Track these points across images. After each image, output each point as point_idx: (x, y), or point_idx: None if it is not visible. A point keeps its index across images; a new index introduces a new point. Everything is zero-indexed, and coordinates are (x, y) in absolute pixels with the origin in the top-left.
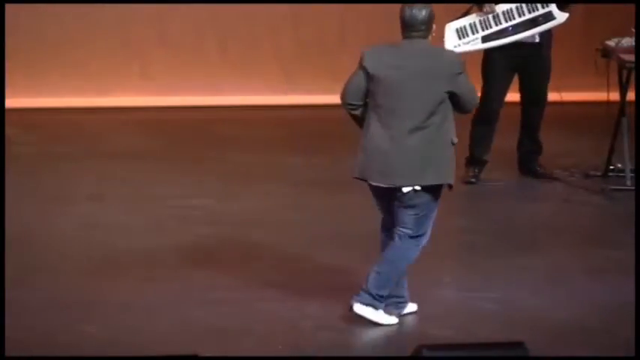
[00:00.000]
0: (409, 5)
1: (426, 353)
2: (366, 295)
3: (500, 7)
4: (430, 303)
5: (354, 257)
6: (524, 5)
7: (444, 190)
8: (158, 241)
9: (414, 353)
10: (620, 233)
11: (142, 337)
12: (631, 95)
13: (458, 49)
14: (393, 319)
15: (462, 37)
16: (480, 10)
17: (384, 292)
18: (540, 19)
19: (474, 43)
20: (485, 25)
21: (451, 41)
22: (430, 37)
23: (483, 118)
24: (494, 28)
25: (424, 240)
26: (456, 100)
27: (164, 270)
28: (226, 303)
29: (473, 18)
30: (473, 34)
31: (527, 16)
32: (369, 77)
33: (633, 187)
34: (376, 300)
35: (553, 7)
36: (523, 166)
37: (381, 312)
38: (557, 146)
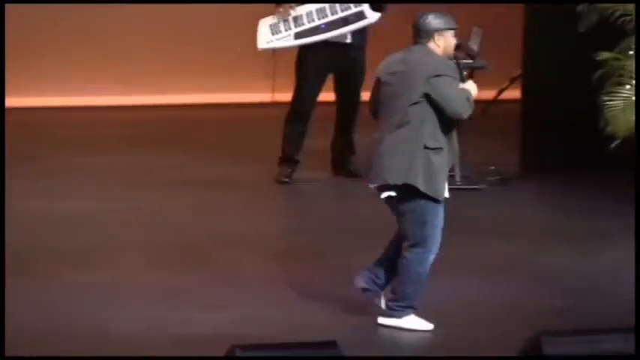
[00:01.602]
0: (420, 13)
1: (239, 353)
2: (385, 309)
3: (314, 6)
4: (252, 303)
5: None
6: (337, 4)
7: (259, 188)
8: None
9: (227, 353)
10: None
11: None
12: None
13: (270, 45)
14: (422, 324)
15: (274, 33)
16: (278, 10)
17: (404, 304)
18: (352, 17)
19: (287, 40)
20: (298, 22)
21: (264, 37)
22: (433, 44)
23: (295, 117)
24: (307, 26)
25: (428, 249)
26: (435, 104)
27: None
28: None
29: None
30: (285, 30)
31: (340, 15)
32: (377, 83)
33: (463, 186)
34: (395, 311)
35: (365, 7)
36: (337, 165)
37: (404, 319)
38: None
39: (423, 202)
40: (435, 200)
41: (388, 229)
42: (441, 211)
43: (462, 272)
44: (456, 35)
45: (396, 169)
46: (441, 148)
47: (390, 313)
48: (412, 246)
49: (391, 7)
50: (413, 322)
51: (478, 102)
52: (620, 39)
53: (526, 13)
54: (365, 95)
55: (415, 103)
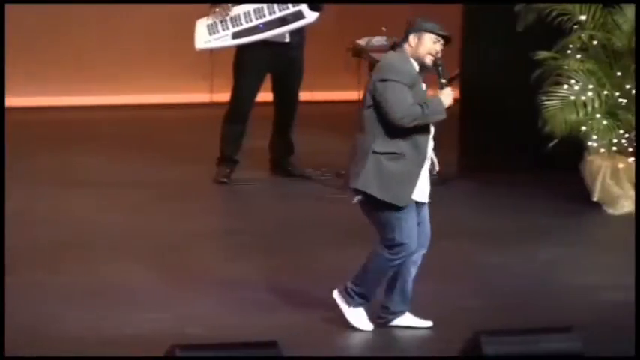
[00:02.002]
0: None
1: (178, 353)
2: (343, 287)
3: (252, 6)
4: (188, 302)
5: None
6: (274, 4)
7: (198, 188)
8: None
9: (167, 353)
10: (373, 231)
11: None
12: None
13: (208, 45)
14: (363, 324)
15: (212, 33)
16: (214, 11)
17: (357, 290)
18: (290, 17)
19: (224, 40)
20: (235, 22)
21: (201, 37)
22: (407, 45)
23: (233, 117)
24: (245, 26)
25: (396, 253)
26: (378, 108)
27: None
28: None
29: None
30: (223, 30)
31: (278, 15)
32: None
33: None
34: (347, 294)
35: (303, 7)
36: (275, 165)
37: (351, 309)
38: (309, 145)
39: (384, 207)
40: (395, 206)
41: (326, 228)
42: (407, 215)
43: None
44: (444, 44)
45: (355, 175)
46: (395, 154)
47: (344, 295)
48: (385, 246)
49: (328, 7)
50: (357, 317)
51: None
52: (557, 38)
53: (464, 13)
54: (303, 95)
55: (369, 107)
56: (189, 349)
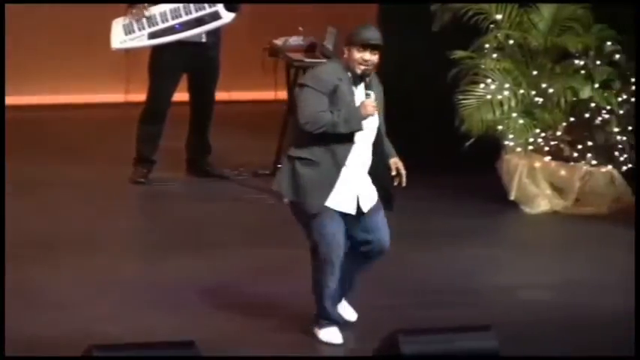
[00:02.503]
0: None
1: (96, 353)
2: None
3: (168, 6)
4: (105, 302)
5: None
6: (191, 4)
7: (114, 188)
8: None
9: (85, 353)
10: (291, 231)
11: None
12: None
13: (124, 45)
14: (333, 338)
15: (128, 32)
16: (131, 12)
17: (316, 311)
18: (206, 18)
19: (140, 40)
20: (151, 22)
21: (117, 37)
22: (343, 58)
23: (149, 117)
24: (161, 26)
25: (321, 259)
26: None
27: None
28: None
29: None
30: (139, 30)
31: (194, 15)
32: None
33: None
34: (318, 318)
35: (220, 7)
36: (192, 166)
37: (325, 331)
38: (227, 145)
39: (303, 210)
40: (309, 212)
41: (242, 228)
42: (325, 221)
43: None
44: (375, 50)
45: (276, 177)
46: (308, 159)
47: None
48: (310, 251)
49: (245, 7)
50: (327, 335)
51: None
52: (474, 38)
53: (379, 13)
54: (220, 95)
55: (293, 111)
56: (106, 349)
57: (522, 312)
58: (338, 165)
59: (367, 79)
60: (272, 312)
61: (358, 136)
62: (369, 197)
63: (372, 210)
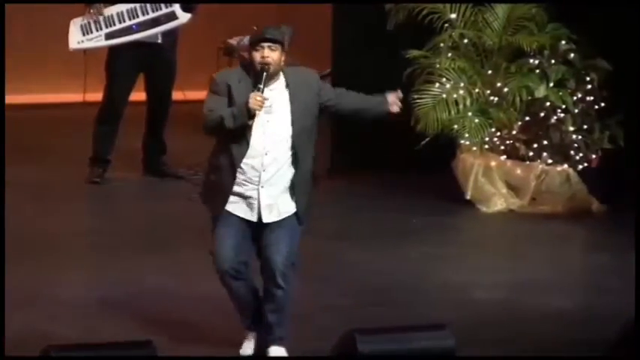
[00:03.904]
0: None
1: (54, 353)
2: None
3: (125, 6)
4: (57, 303)
5: None
6: (148, 5)
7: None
8: None
9: (43, 353)
10: None
11: None
12: None
13: (81, 46)
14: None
15: (86, 33)
16: (88, 12)
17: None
18: (163, 18)
19: (97, 40)
20: (109, 23)
21: (75, 37)
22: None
23: (106, 117)
24: (118, 26)
25: (214, 262)
26: None
27: None
28: None
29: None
30: (97, 30)
31: (151, 15)
32: None
33: None
34: None
35: (176, 8)
36: (148, 165)
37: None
38: (182, 145)
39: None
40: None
41: (196, 228)
42: (222, 227)
43: None
44: (270, 49)
45: None
46: (213, 164)
47: None
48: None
49: (200, 7)
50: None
51: None
52: (428, 37)
53: (334, 12)
54: (175, 94)
55: None
56: (64, 349)
57: (476, 311)
58: (233, 167)
59: (265, 75)
60: (228, 311)
61: (257, 142)
62: (275, 209)
63: (276, 225)
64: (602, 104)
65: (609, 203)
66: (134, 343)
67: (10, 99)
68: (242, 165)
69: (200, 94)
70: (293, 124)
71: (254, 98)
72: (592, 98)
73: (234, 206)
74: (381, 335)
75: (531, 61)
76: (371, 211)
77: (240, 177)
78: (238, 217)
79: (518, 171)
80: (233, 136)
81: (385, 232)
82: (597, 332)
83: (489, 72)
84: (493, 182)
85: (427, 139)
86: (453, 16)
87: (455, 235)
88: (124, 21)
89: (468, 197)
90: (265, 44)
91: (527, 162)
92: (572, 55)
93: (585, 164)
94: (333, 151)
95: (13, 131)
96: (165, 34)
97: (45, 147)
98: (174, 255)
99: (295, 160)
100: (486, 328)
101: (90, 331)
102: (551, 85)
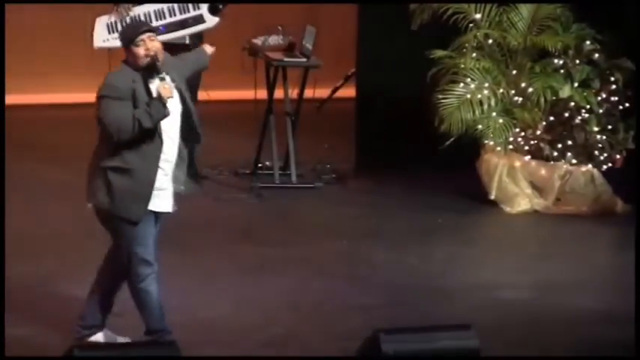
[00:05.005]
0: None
1: (77, 353)
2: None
3: (152, 7)
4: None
5: None
6: (175, 6)
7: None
8: None
9: (67, 353)
10: (270, 230)
11: None
12: (278, 93)
13: (106, 44)
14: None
15: (111, 32)
16: (116, 11)
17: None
18: (191, 21)
19: None
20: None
21: (100, 35)
22: (126, 63)
23: None
24: None
25: (137, 266)
26: (101, 123)
27: None
28: None
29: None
30: None
31: (178, 17)
32: None
33: (281, 184)
34: None
35: (204, 11)
36: None
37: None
38: (207, 145)
39: (120, 221)
40: (129, 220)
41: (221, 228)
42: (144, 229)
43: (294, 271)
44: (150, 40)
45: (89, 189)
46: (121, 168)
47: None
48: (128, 263)
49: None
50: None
51: (311, 100)
52: (453, 37)
53: (359, 12)
54: (199, 94)
55: (98, 122)
56: (87, 349)
57: (500, 311)
58: (154, 168)
59: (158, 65)
60: (250, 311)
61: (165, 134)
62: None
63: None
64: (627, 104)
65: (633, 203)
66: (158, 343)
67: (32, 98)
68: (161, 160)
69: (224, 94)
70: (182, 105)
71: (163, 89)
72: (616, 98)
73: (156, 203)
74: (406, 335)
75: (556, 61)
76: (396, 210)
77: (160, 172)
78: (153, 213)
79: (543, 171)
80: (144, 135)
81: (410, 231)
82: (622, 332)
83: (514, 72)
84: (517, 182)
85: (451, 140)
86: (478, 16)
87: (479, 235)
88: (151, 22)
89: (492, 197)
90: (144, 36)
91: (552, 162)
92: (596, 55)
93: (609, 164)
94: (359, 151)
95: (37, 130)
96: (193, 36)
97: (70, 146)
98: (198, 254)
99: (185, 133)
100: (511, 329)
101: (110, 330)
102: (576, 85)
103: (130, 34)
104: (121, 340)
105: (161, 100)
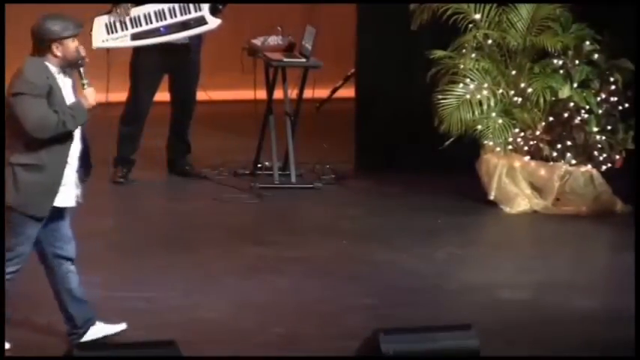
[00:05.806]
0: (39, 19)
1: (76, 353)
2: None
3: (152, 7)
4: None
5: None
6: (176, 6)
7: (94, 188)
8: None
9: (66, 353)
10: (270, 230)
11: None
12: (277, 93)
13: (105, 44)
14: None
15: (111, 32)
16: (115, 11)
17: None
18: (192, 22)
19: (123, 40)
20: (135, 23)
21: (99, 35)
22: (51, 55)
23: (131, 117)
24: (145, 27)
25: (8, 259)
26: (13, 121)
27: None
28: None
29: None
30: (122, 30)
31: (179, 19)
32: None
33: (281, 185)
34: None
35: (205, 12)
36: (172, 165)
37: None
38: (206, 145)
39: (24, 216)
40: (31, 216)
41: (220, 228)
42: (38, 225)
43: (294, 271)
44: (76, 38)
45: None
46: (33, 165)
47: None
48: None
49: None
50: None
51: (311, 101)
52: (453, 37)
53: (358, 12)
54: (199, 95)
55: (8, 119)
56: (87, 349)
57: (500, 311)
58: (63, 164)
59: (82, 70)
60: (252, 309)
61: (76, 131)
62: (74, 192)
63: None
64: (626, 105)
65: (633, 204)
66: (157, 342)
67: None
68: (69, 158)
69: (223, 94)
70: None
71: (92, 96)
72: (616, 99)
73: (61, 198)
74: (405, 335)
75: (555, 61)
76: (396, 211)
77: (67, 169)
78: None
79: (542, 171)
80: (63, 135)
81: (410, 232)
82: (622, 332)
83: (513, 72)
84: (517, 183)
85: (451, 140)
86: (477, 16)
87: (479, 235)
88: (151, 22)
89: (492, 198)
90: (78, 32)
91: (551, 162)
92: (596, 55)
93: (609, 165)
94: (359, 151)
95: None
96: (193, 36)
97: None
98: (197, 255)
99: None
100: (511, 329)
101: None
102: (575, 85)
103: (68, 26)
104: (118, 327)
105: (84, 105)
